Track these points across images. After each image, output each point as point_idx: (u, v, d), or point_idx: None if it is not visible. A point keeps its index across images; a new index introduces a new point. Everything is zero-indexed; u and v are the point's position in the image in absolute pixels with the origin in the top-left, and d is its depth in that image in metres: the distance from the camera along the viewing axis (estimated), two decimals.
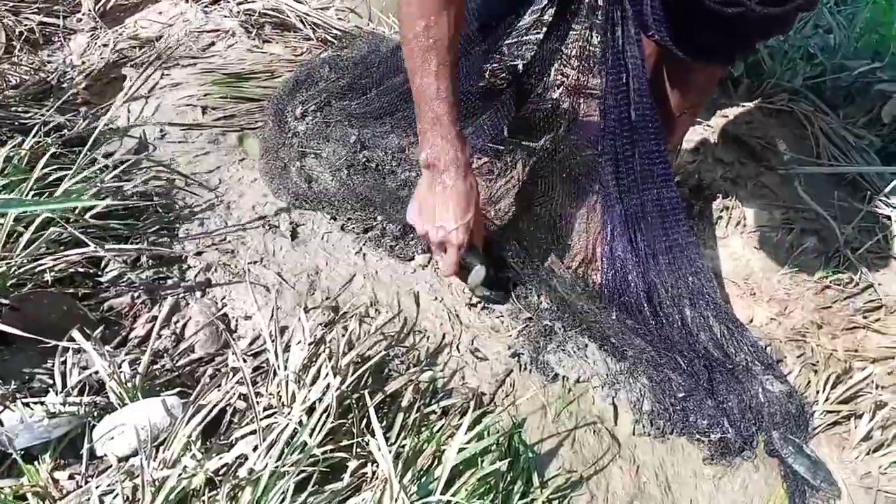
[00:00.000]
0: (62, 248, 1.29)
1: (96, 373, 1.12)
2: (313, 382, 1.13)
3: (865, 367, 1.59)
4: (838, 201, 1.94)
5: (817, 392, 1.56)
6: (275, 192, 1.62)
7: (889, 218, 1.90)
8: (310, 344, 1.21)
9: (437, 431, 1.18)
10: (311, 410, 1.09)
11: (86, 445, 1.05)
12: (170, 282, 1.36)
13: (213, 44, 2.02)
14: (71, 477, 1.04)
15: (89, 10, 2.03)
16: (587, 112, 1.84)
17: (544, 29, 1.62)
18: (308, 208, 1.61)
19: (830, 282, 1.77)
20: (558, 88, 2.00)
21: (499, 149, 1.78)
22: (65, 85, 1.77)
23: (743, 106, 2.18)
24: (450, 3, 1.23)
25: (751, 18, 1.16)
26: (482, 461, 1.16)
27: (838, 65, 2.17)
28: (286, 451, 1.03)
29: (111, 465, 1.04)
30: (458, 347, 1.42)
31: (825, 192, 2.00)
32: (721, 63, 1.51)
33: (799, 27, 2.29)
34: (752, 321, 1.72)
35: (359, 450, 1.11)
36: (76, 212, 1.34)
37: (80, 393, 1.12)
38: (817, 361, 1.61)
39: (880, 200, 1.95)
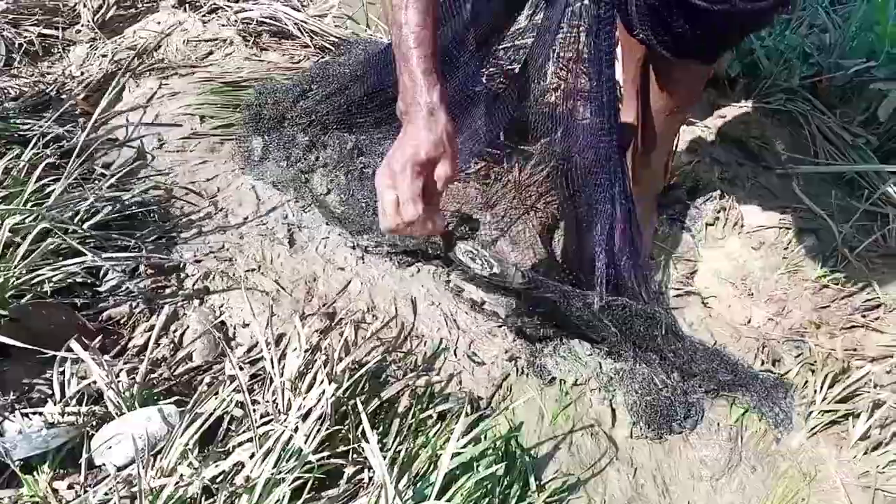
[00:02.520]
0: (60, 258, 1.31)
1: (94, 382, 1.13)
2: (309, 389, 1.14)
3: (864, 366, 1.59)
4: (836, 200, 1.94)
5: (815, 391, 1.55)
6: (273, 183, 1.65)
7: (887, 216, 1.90)
8: (306, 351, 1.22)
9: (433, 436, 1.18)
10: (306, 417, 1.10)
11: (84, 455, 1.06)
12: (168, 290, 1.37)
13: (211, 52, 2.04)
14: (70, 487, 1.05)
15: (88, 22, 2.05)
16: (582, 115, 1.84)
17: (536, 31, 1.62)
18: (304, 205, 1.63)
19: (829, 281, 1.77)
20: (555, 92, 2.01)
21: (495, 153, 1.79)
22: (63, 96, 1.79)
23: (740, 106, 2.18)
24: None
25: (736, 14, 1.17)
26: (479, 465, 1.17)
27: (834, 64, 2.17)
28: (282, 458, 1.04)
29: (109, 475, 1.05)
30: (455, 352, 1.43)
31: (823, 191, 2.00)
32: (704, 61, 1.51)
33: (794, 26, 2.30)
34: (749, 321, 1.72)
35: (355, 456, 1.12)
36: (74, 221, 1.35)
37: (79, 403, 1.13)
38: (815, 361, 1.61)
39: (878, 199, 1.94)
